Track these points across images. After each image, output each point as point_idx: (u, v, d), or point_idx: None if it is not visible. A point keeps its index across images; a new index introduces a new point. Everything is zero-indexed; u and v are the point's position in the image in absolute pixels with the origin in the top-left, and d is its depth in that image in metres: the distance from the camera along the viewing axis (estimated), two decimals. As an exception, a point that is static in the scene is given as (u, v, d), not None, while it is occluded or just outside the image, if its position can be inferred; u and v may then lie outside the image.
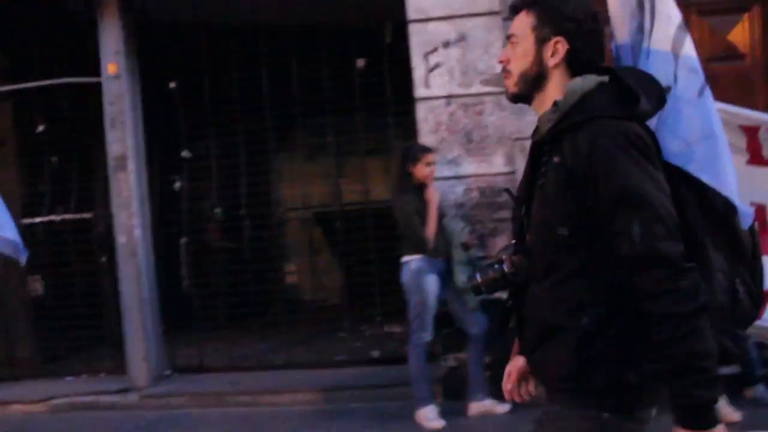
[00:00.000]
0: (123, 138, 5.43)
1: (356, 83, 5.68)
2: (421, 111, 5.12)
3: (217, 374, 5.76)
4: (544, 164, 1.84)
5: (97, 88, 5.65)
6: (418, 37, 5.11)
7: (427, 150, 4.81)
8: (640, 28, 2.04)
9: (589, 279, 1.74)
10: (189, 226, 5.84)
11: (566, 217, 1.75)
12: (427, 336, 4.79)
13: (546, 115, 1.85)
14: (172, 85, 5.73)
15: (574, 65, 1.85)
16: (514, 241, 2.00)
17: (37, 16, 5.90)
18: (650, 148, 1.75)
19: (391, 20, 5.69)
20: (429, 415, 4.75)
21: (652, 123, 1.88)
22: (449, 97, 5.09)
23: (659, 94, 1.86)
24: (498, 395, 4.79)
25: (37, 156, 5.94)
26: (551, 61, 1.84)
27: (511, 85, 1.90)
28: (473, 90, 5.08)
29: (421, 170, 4.75)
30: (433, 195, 4.75)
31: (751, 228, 1.89)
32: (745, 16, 5.34)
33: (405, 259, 4.83)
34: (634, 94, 1.77)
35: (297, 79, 5.73)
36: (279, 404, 5.27)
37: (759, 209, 3.09)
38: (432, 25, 5.10)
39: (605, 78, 1.84)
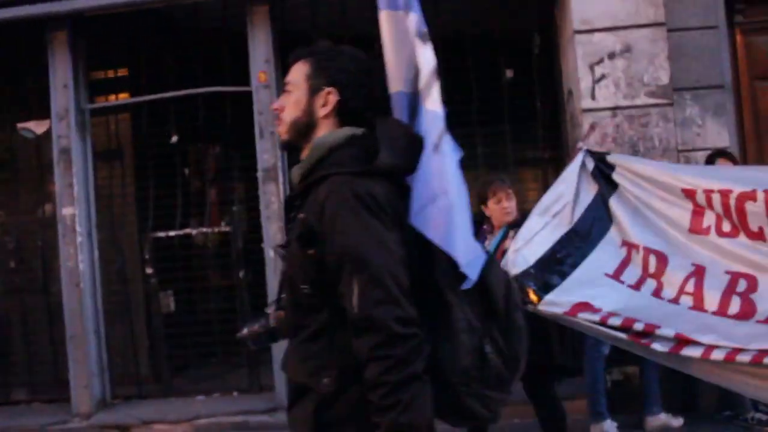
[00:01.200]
0: (273, 148, 5.30)
1: (504, 94, 5.64)
2: (587, 122, 5.08)
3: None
4: (291, 220, 1.83)
5: (236, 98, 5.54)
6: (584, 48, 5.07)
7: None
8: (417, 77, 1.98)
9: (330, 339, 1.71)
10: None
11: (307, 275, 1.72)
12: (606, 348, 4.72)
13: (295, 170, 1.85)
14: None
15: (344, 116, 1.84)
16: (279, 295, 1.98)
17: (160, 28, 5.77)
18: (383, 206, 1.68)
19: (538, 31, 5.66)
20: (609, 429, 4.67)
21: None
22: (615, 108, 5.06)
23: (411, 148, 1.81)
24: (671, 409, 4.80)
25: (169, 168, 5.75)
26: (321, 111, 1.83)
27: (283, 132, 1.89)
28: (638, 102, 5.06)
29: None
30: None
31: (507, 283, 1.84)
32: None
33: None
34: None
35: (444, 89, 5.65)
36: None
37: (698, 269, 3.41)
38: (597, 36, 5.07)
39: (358, 131, 1.82)
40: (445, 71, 5.73)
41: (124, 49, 5.93)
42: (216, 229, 5.62)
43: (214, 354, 5.80)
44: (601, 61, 5.07)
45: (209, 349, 5.79)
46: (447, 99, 6.07)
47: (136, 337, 5.89)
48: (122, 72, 6.26)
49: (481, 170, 5.49)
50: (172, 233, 5.62)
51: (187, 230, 5.61)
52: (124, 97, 6.13)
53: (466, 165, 6.30)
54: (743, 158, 5.32)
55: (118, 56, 6.07)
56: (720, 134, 5.10)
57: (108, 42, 5.82)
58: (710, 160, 4.72)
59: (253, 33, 5.30)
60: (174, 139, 5.68)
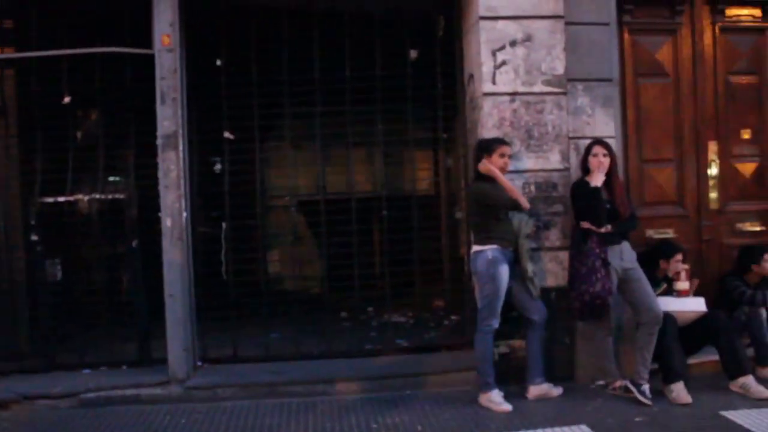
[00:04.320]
0: (174, 115, 5.14)
1: (408, 74, 5.75)
2: (487, 106, 5.27)
3: (255, 365, 5.58)
4: None
5: (136, 61, 5.33)
6: (487, 34, 5.26)
7: (502, 142, 5.00)
8: None
9: None
10: (230, 211, 5.59)
11: None
12: (496, 323, 4.96)
13: None
14: (218, 62, 5.48)
15: None
16: None
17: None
18: None
19: (443, 14, 5.78)
20: (496, 398, 4.92)
21: None
22: (514, 94, 5.29)
23: None
24: (551, 379, 5.13)
25: (60, 130, 5.44)
26: None
27: None
28: (535, 89, 5.31)
29: (495, 161, 4.92)
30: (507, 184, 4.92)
31: None
32: None
33: (477, 248, 4.98)
34: None
35: (349, 65, 5.69)
36: (335, 393, 5.21)
37: None
38: (501, 24, 5.27)
39: None
40: (351, 48, 5.82)
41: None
42: (109, 196, 5.38)
43: (101, 326, 5.56)
44: (503, 47, 5.27)
45: (96, 321, 5.55)
46: (351, 75, 6.15)
47: (17, 308, 5.56)
48: (8, 24, 5.84)
49: (381, 147, 5.58)
50: (61, 199, 5.33)
51: (78, 196, 5.34)
52: (9, 51, 5.73)
53: (365, 142, 6.46)
54: (625, 147, 5.72)
55: (3, 6, 5.64)
56: (607, 124, 5.45)
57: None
58: (588, 148, 5.07)
59: (158, -6, 5.10)
60: (66, 99, 5.39)
